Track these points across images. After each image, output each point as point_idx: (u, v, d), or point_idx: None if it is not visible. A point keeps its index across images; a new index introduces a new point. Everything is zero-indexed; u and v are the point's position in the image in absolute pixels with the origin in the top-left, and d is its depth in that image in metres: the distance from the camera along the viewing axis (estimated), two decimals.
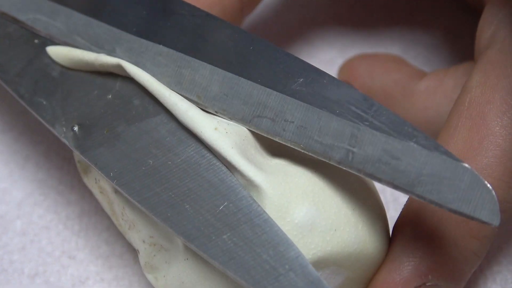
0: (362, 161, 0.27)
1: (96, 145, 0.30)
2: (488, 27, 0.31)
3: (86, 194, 0.37)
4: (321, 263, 0.28)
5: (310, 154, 0.28)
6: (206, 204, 0.28)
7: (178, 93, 0.30)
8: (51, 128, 0.32)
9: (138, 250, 0.31)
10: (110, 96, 0.31)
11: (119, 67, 0.31)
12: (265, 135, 0.29)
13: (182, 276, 0.29)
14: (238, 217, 0.28)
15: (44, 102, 0.32)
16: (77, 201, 0.37)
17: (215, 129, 0.29)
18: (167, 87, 0.31)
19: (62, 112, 0.32)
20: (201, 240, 0.27)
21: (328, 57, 0.43)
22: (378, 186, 0.38)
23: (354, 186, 0.30)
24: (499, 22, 0.31)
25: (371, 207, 0.30)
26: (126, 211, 0.31)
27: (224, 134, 0.29)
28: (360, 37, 0.44)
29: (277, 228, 0.27)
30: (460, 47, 0.42)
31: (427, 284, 0.29)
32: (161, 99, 0.30)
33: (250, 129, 0.29)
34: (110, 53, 0.32)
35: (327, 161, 0.28)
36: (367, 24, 0.44)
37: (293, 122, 0.28)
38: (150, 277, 0.31)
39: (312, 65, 0.29)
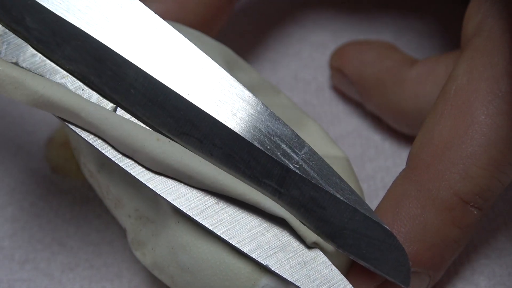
0: (288, 203, 0.28)
1: None
2: (475, 15, 0.31)
3: (78, 184, 0.37)
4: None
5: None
6: None
7: (97, 90, 0.28)
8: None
9: (125, 228, 0.32)
10: None
11: (13, 79, 0.27)
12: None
13: (172, 241, 0.29)
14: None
15: None
16: (69, 191, 0.37)
17: (157, 139, 0.27)
18: (86, 77, 0.28)
19: None
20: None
21: (320, 40, 0.43)
22: (368, 171, 0.38)
23: None
24: (486, 10, 0.31)
25: None
26: (111, 189, 0.31)
27: (168, 144, 0.27)
28: (353, 22, 0.44)
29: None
30: (452, 34, 0.42)
31: None
32: (84, 115, 0.27)
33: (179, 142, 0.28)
34: (18, 22, 0.28)
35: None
36: (360, 9, 0.44)
37: (221, 148, 0.27)
38: (138, 254, 0.31)
39: (245, 90, 0.28)
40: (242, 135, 0.27)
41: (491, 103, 0.29)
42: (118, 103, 0.28)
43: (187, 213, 0.27)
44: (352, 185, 0.31)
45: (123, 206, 0.31)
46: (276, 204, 0.28)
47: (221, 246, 0.28)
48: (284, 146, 0.27)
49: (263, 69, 0.42)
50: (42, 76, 0.28)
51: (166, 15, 0.35)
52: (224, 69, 0.32)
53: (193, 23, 0.36)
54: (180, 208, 0.27)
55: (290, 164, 0.27)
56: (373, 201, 0.36)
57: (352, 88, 0.39)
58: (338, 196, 0.27)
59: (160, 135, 0.27)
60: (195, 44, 0.32)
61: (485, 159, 0.29)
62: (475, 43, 0.30)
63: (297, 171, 0.27)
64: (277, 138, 0.27)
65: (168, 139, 0.27)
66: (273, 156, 0.27)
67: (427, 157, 0.30)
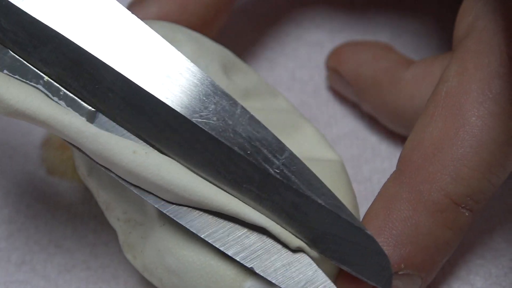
0: (270, 208, 0.27)
1: None
2: (467, 17, 0.31)
3: (74, 185, 0.38)
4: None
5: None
6: None
7: (76, 93, 0.27)
8: None
9: (116, 230, 0.32)
10: None
11: None
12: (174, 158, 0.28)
13: (158, 244, 0.29)
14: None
15: None
16: (66, 192, 0.37)
17: (134, 152, 0.27)
18: (64, 80, 0.27)
19: None
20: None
21: (316, 39, 0.43)
22: (364, 173, 0.38)
23: (327, 181, 0.30)
24: (477, 11, 0.31)
25: (344, 198, 0.30)
26: (100, 192, 0.31)
27: (144, 156, 0.27)
28: (350, 21, 0.44)
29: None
30: (449, 35, 0.41)
31: (399, 273, 0.29)
32: (60, 128, 0.27)
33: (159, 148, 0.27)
34: None
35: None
36: (357, 8, 0.44)
37: (202, 153, 0.27)
38: (129, 256, 0.31)
39: (225, 92, 0.27)
40: (222, 140, 0.27)
41: (482, 105, 0.29)
42: (97, 107, 0.27)
43: (171, 216, 0.28)
44: (344, 189, 0.31)
45: (113, 209, 0.31)
46: (257, 212, 0.27)
47: (206, 249, 0.28)
48: (264, 150, 0.27)
49: (260, 68, 0.42)
50: (20, 79, 0.27)
51: (166, 17, 0.36)
52: (220, 72, 0.32)
53: (193, 24, 0.36)
54: (164, 211, 0.28)
55: (270, 169, 0.27)
56: (369, 203, 0.36)
57: (348, 88, 0.39)
58: (320, 201, 0.27)
59: (137, 147, 0.27)
60: (192, 47, 0.32)
61: (476, 160, 0.29)
62: (466, 44, 0.30)
63: (278, 176, 0.27)
64: (257, 143, 0.27)
65: (145, 151, 0.27)
66: (254, 161, 0.27)
67: (417, 159, 0.30)
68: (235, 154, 0.27)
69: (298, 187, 0.27)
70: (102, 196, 0.31)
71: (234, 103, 0.27)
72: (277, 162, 0.27)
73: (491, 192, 0.30)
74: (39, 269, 0.35)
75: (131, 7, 0.37)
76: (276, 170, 0.27)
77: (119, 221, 0.31)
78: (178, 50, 0.31)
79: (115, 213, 0.31)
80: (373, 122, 0.40)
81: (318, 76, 0.42)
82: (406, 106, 0.36)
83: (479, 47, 0.30)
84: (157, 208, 0.28)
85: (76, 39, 0.26)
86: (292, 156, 0.27)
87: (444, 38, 0.42)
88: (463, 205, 0.29)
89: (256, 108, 0.33)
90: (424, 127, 0.30)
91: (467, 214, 0.29)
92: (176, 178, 0.27)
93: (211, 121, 0.26)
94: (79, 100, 0.28)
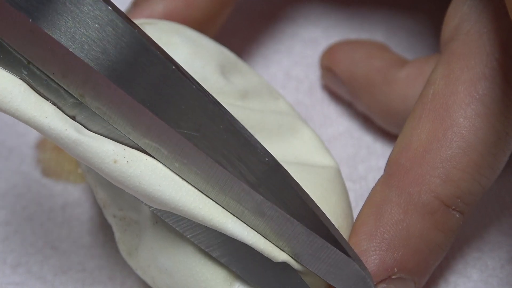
0: (252, 222, 0.27)
1: None
2: (453, 19, 0.31)
3: (69, 187, 0.38)
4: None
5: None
6: None
7: (60, 82, 0.25)
8: None
9: (112, 227, 0.32)
10: None
11: None
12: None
13: (152, 242, 0.30)
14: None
15: None
16: (61, 193, 0.38)
17: (115, 161, 0.26)
18: (48, 72, 0.25)
19: None
20: None
21: (311, 36, 0.43)
22: (360, 172, 0.38)
23: (319, 188, 0.30)
24: (463, 14, 0.31)
25: (337, 205, 0.30)
26: (98, 189, 0.32)
27: (125, 166, 0.26)
28: (345, 18, 0.44)
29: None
30: None
31: (392, 277, 0.29)
32: (40, 131, 0.26)
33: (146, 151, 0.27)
34: None
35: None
36: (352, 6, 0.44)
37: (185, 164, 0.26)
38: (124, 254, 0.32)
39: (209, 104, 0.26)
40: (208, 157, 0.26)
41: (469, 106, 0.29)
42: (79, 100, 0.26)
43: (158, 214, 0.28)
44: (336, 198, 0.31)
45: (109, 206, 0.32)
46: (241, 225, 0.27)
47: (197, 249, 0.28)
48: (244, 169, 0.26)
49: (255, 65, 0.42)
50: (1, 67, 0.26)
51: (172, 14, 0.36)
52: (216, 73, 0.32)
53: (199, 19, 0.36)
54: (152, 210, 0.28)
55: (251, 188, 0.26)
56: None
57: (342, 87, 0.39)
58: (296, 222, 0.26)
59: (118, 154, 0.26)
60: (187, 49, 0.32)
61: (465, 161, 0.29)
62: (452, 47, 0.30)
63: (260, 196, 0.26)
64: (236, 160, 0.26)
65: (126, 160, 0.26)
66: (233, 176, 0.26)
67: (406, 161, 0.30)
68: (217, 168, 0.26)
69: (275, 208, 0.26)
70: (100, 193, 0.32)
71: (218, 117, 0.26)
72: (256, 180, 0.26)
73: (480, 194, 0.30)
74: (35, 271, 0.35)
75: (137, 5, 0.37)
76: (255, 187, 0.26)
77: (115, 218, 0.32)
78: (172, 53, 0.31)
79: (111, 210, 0.32)
80: (368, 120, 0.39)
81: (313, 74, 0.42)
82: (399, 106, 0.36)
83: (464, 49, 0.30)
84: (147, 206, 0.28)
85: (56, 33, 0.25)
86: (273, 172, 0.27)
87: (439, 37, 0.42)
88: (453, 207, 0.29)
89: (254, 109, 0.33)
90: (412, 130, 0.30)
91: (457, 216, 0.29)
92: (158, 191, 0.26)
93: (193, 133, 0.26)
94: (63, 91, 0.26)
